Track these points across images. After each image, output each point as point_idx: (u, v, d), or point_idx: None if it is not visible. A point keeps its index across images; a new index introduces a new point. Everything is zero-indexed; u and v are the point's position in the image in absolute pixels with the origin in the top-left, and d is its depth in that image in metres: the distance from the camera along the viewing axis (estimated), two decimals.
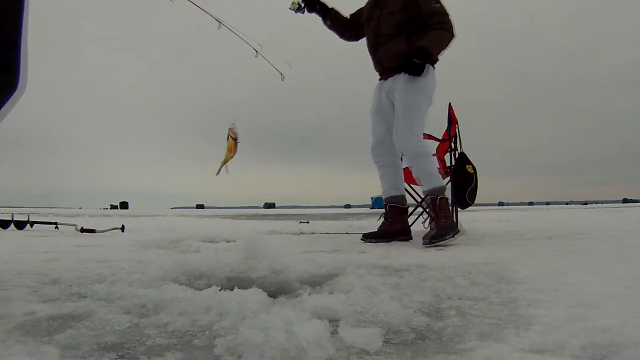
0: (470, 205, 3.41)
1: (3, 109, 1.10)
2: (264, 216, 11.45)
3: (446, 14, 2.72)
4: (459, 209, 3.45)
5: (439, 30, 2.69)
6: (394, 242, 2.90)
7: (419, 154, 2.76)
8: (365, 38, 3.10)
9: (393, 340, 0.90)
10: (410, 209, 4.11)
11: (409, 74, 2.69)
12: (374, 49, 2.95)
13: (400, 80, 2.81)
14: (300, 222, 6.13)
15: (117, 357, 0.81)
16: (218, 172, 2.10)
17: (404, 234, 2.98)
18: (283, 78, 2.38)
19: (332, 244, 2.87)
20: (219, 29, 2.14)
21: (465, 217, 3.10)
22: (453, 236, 2.63)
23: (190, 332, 0.94)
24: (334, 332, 0.92)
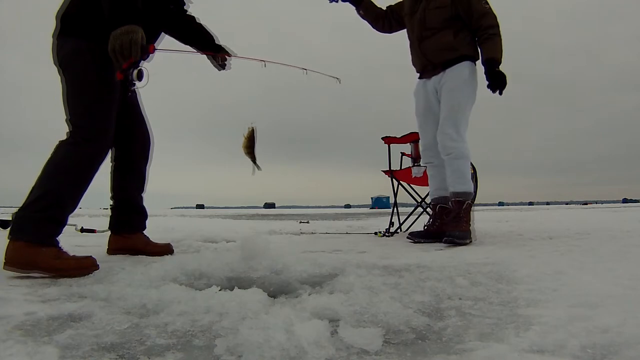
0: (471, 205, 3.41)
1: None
2: (264, 216, 11.45)
3: (495, 17, 2.72)
4: None
5: (495, 36, 2.69)
6: (393, 242, 2.91)
7: (462, 155, 2.75)
8: (403, 31, 3.10)
9: (393, 340, 0.90)
10: (409, 210, 4.13)
11: (499, 87, 2.63)
12: (418, 41, 2.92)
13: (445, 80, 2.81)
14: (300, 222, 6.13)
15: (117, 357, 0.81)
16: (255, 169, 2.06)
17: None
18: (339, 81, 2.43)
19: (332, 244, 2.87)
20: (264, 67, 2.26)
21: None
22: (469, 243, 2.65)
23: (190, 332, 0.94)
24: (334, 332, 0.92)
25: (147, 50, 1.55)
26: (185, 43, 2.28)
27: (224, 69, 2.26)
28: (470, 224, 2.77)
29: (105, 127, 1.75)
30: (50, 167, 1.65)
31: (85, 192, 1.72)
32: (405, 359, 0.81)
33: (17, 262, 1.52)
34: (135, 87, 1.62)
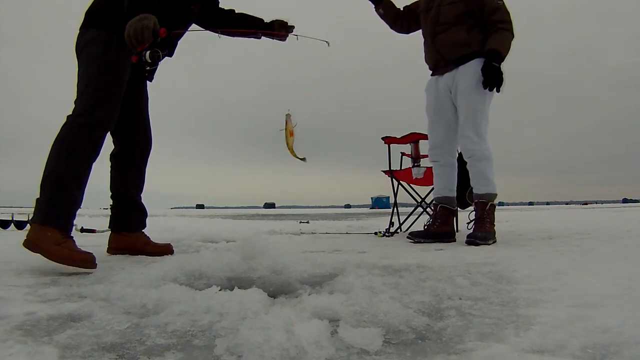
0: (470, 205, 3.41)
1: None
2: (264, 216, 11.45)
3: (508, 13, 2.70)
4: (459, 209, 3.45)
5: (504, 31, 2.66)
6: (393, 242, 2.91)
7: (483, 157, 2.73)
8: (417, 32, 3.10)
9: (393, 340, 0.90)
10: (409, 210, 4.13)
11: (495, 85, 2.60)
12: (432, 37, 2.89)
13: (459, 79, 2.78)
14: (300, 222, 6.13)
15: (117, 357, 0.81)
16: (297, 157, 2.00)
17: (450, 236, 2.91)
18: (329, 44, 2.42)
19: (332, 244, 2.87)
20: (260, 38, 2.34)
21: (465, 217, 3.10)
22: (491, 243, 2.64)
23: (190, 332, 0.94)
24: (334, 332, 0.92)
25: (158, 34, 1.66)
26: (233, 35, 2.31)
27: (285, 39, 2.31)
28: (494, 225, 2.76)
29: (98, 104, 1.79)
30: (50, 150, 1.74)
31: (91, 169, 1.78)
32: (405, 359, 0.81)
33: (28, 241, 1.65)
34: (149, 67, 1.72)
